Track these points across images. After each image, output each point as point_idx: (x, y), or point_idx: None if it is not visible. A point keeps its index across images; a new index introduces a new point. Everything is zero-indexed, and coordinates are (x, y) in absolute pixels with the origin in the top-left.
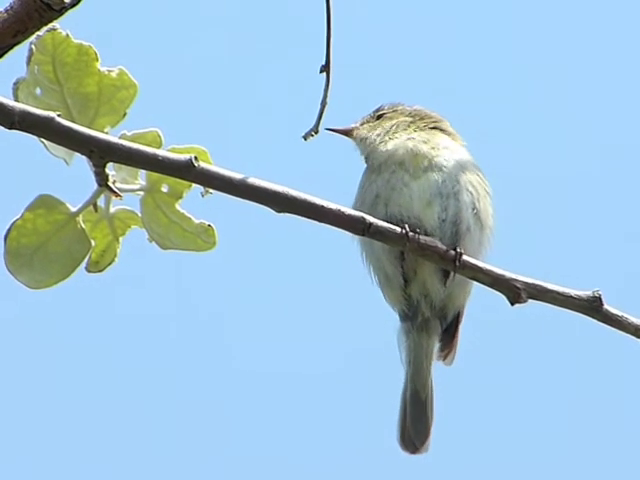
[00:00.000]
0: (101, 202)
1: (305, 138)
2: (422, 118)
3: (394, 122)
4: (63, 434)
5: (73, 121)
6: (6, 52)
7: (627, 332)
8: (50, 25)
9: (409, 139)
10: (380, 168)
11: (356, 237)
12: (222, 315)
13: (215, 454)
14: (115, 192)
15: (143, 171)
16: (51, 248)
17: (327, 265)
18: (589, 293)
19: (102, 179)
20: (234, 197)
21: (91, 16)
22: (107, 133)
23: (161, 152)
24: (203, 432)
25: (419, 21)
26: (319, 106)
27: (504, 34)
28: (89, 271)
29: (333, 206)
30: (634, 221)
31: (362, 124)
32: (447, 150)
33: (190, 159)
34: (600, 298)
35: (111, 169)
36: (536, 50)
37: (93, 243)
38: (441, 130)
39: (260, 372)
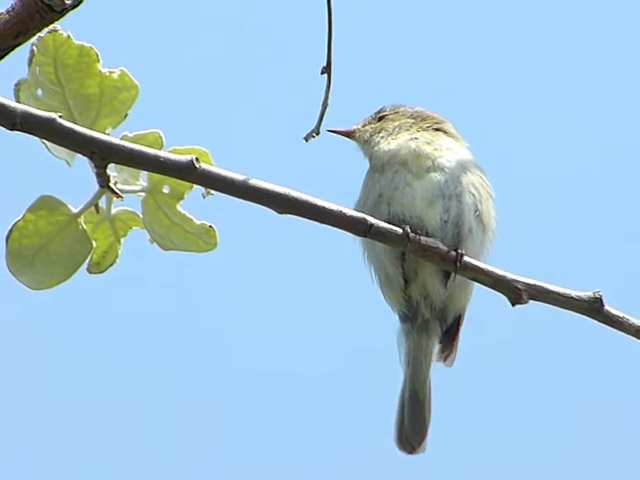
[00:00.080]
0: (102, 203)
1: (306, 139)
2: (424, 119)
3: (396, 124)
4: (64, 434)
5: (74, 122)
6: (7, 53)
7: (628, 333)
8: (51, 26)
9: (412, 139)
10: (383, 168)
11: (358, 238)
12: (223, 316)
13: (215, 454)
14: (116, 193)
15: (144, 172)
16: (53, 249)
17: (328, 266)
18: (590, 294)
19: (103, 180)
20: (235, 198)
21: (92, 17)
22: (109, 134)
23: (162, 153)
24: (203, 432)
25: (420, 22)
26: (320, 107)
27: (504, 34)
28: (90, 272)
29: (335, 207)
30: (634, 221)
31: (364, 126)
32: (450, 151)
33: (191, 160)
34: (601, 299)
35: (112, 170)
36: (536, 50)
37: (94, 244)
38: (444, 132)
39: (261, 372)
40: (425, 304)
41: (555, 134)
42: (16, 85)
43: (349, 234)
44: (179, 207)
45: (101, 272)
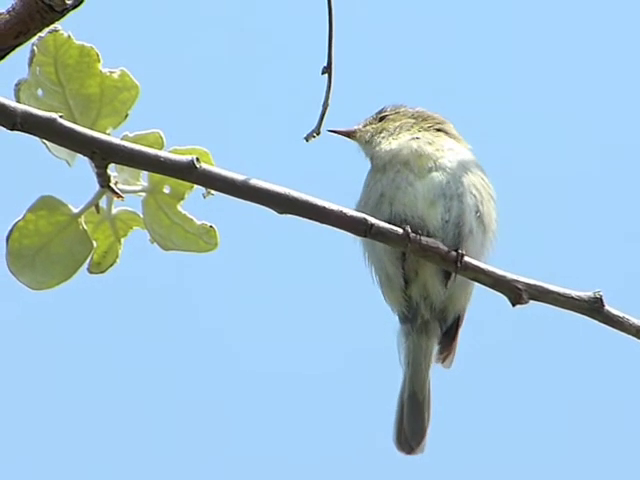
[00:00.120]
0: (103, 203)
1: (307, 139)
2: (425, 119)
3: (397, 124)
4: (65, 435)
5: (75, 122)
6: (8, 53)
7: (628, 333)
8: (52, 26)
9: (413, 139)
10: (385, 167)
11: (358, 238)
12: (223, 315)
13: (215, 454)
14: (117, 193)
15: (145, 172)
16: (53, 249)
17: (328, 266)
18: (590, 294)
19: (104, 180)
20: (236, 198)
21: (93, 17)
22: (109, 134)
23: (163, 153)
24: (204, 432)
25: (420, 22)
26: (321, 107)
27: (504, 34)
28: (91, 272)
29: (335, 207)
30: (635, 221)
31: (365, 126)
32: (452, 152)
33: (192, 160)
34: (601, 299)
35: (113, 170)
36: (536, 50)
37: (95, 244)
38: (445, 132)
39: (261, 372)
40: (425, 305)
41: (555, 134)
42: (16, 85)
43: (349, 234)
44: (179, 207)
45: (101, 272)
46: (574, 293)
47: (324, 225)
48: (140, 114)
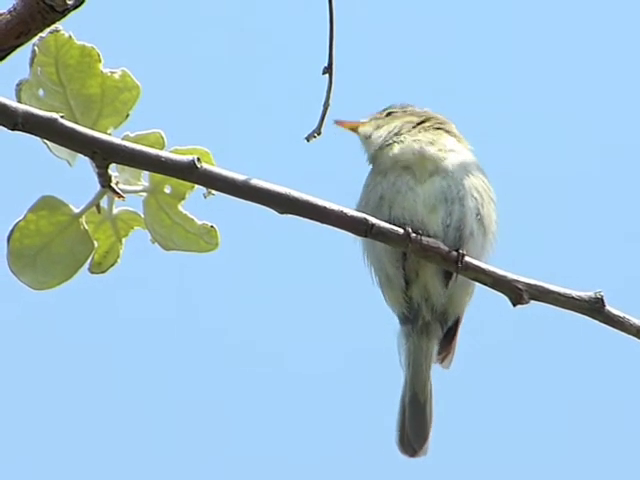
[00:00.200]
0: (104, 203)
1: (308, 139)
2: (429, 119)
3: (399, 122)
4: (65, 435)
5: (76, 122)
6: (9, 53)
7: (629, 333)
8: (53, 27)
9: (415, 141)
10: (386, 171)
11: (358, 238)
12: (224, 315)
13: (216, 454)
14: (118, 193)
15: (146, 172)
16: (54, 249)
17: (329, 266)
18: (591, 294)
19: (105, 180)
20: (237, 198)
21: (94, 18)
22: (110, 134)
23: (164, 153)
24: (204, 432)
25: (421, 22)
26: (322, 107)
27: (504, 35)
28: (92, 272)
29: (336, 207)
30: (635, 221)
31: (370, 120)
32: (453, 153)
33: (193, 160)
34: (602, 299)
35: (114, 170)
36: (536, 50)
37: (96, 244)
38: (446, 131)
39: (261, 372)
40: (426, 306)
41: (555, 134)
42: (18, 85)
43: (350, 234)
44: (180, 207)
45: (102, 272)
46: (575, 293)
47: (325, 225)
48: (141, 114)
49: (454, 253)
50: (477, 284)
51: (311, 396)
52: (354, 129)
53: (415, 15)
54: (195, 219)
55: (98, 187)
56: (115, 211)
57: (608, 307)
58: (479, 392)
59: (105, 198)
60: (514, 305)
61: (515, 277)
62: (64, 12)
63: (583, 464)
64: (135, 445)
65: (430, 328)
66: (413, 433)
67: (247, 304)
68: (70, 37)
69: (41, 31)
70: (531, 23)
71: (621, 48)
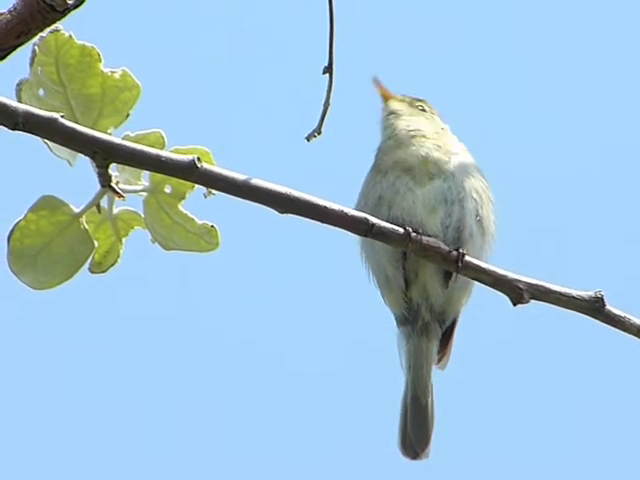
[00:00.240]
0: (104, 203)
1: (308, 139)
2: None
3: (423, 124)
4: (65, 435)
5: (76, 122)
6: (9, 53)
7: (629, 333)
8: (53, 26)
9: (423, 147)
10: (387, 170)
11: (357, 238)
12: (224, 315)
13: (216, 454)
14: (118, 193)
15: (146, 172)
16: (54, 249)
17: (330, 266)
18: (591, 294)
19: (105, 180)
20: (237, 198)
21: (94, 17)
22: (110, 134)
23: (164, 153)
24: (204, 433)
25: (421, 22)
26: (322, 107)
27: (504, 35)
28: (92, 272)
29: (336, 207)
30: (636, 221)
31: (403, 100)
32: (456, 156)
33: (193, 160)
34: (602, 299)
35: (114, 170)
36: (536, 50)
37: (96, 244)
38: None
39: (262, 372)
40: (426, 306)
41: (555, 134)
42: (18, 85)
43: (350, 234)
44: (181, 207)
45: (103, 272)
46: (575, 293)
47: (325, 225)
48: (141, 114)
49: (454, 253)
50: (476, 284)
51: (311, 396)
52: (386, 98)
53: (415, 15)
54: (195, 219)
55: (98, 187)
56: (115, 211)
57: (608, 307)
58: (480, 392)
59: (105, 198)
60: (514, 305)
61: (515, 276)
62: (64, 12)
63: (583, 464)
64: (135, 445)
65: (430, 329)
66: (415, 435)
67: (247, 304)
68: (70, 37)
69: (41, 31)
70: (531, 23)
71: (621, 48)
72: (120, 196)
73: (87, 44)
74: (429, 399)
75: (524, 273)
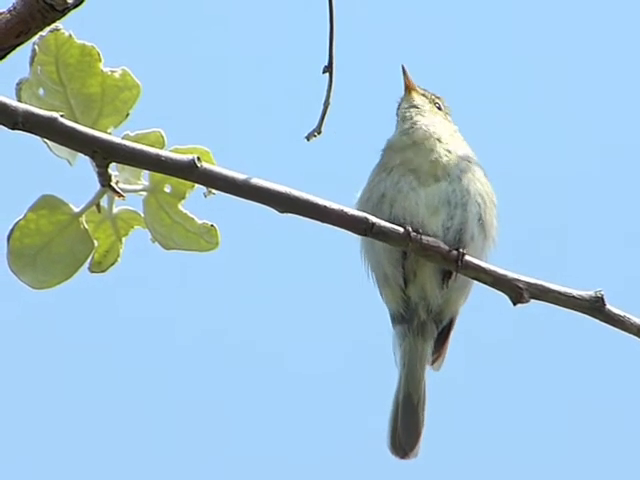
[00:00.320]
0: (104, 202)
1: (308, 139)
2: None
3: (439, 126)
4: (65, 435)
5: (76, 122)
6: (9, 52)
7: (629, 332)
8: (53, 25)
9: (433, 151)
10: (392, 167)
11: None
12: (224, 315)
13: (216, 454)
14: (118, 192)
15: (146, 171)
16: (54, 248)
17: (330, 266)
18: (591, 293)
19: (105, 179)
20: (237, 197)
21: (94, 17)
22: (110, 134)
23: (164, 152)
24: (205, 433)
25: (422, 21)
26: (322, 107)
27: (505, 35)
28: (92, 271)
29: (336, 206)
30: (636, 221)
31: (424, 94)
32: (464, 161)
33: (193, 159)
34: (602, 298)
35: (114, 169)
36: (536, 50)
37: (96, 243)
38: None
39: (262, 372)
40: (423, 306)
41: (555, 134)
42: (18, 84)
43: (350, 233)
44: (180, 206)
45: (102, 271)
46: (575, 292)
47: (325, 224)
48: (141, 113)
49: (454, 252)
50: (476, 285)
51: (311, 396)
52: (410, 89)
53: (415, 15)
54: (195, 218)
55: (98, 186)
56: (115, 210)
57: (608, 306)
58: (480, 391)
59: (105, 197)
60: (514, 304)
61: (515, 276)
62: (64, 11)
63: (583, 464)
64: (135, 445)
65: (426, 328)
66: (405, 434)
67: (247, 304)
68: (70, 36)
69: (41, 30)
70: (531, 23)
71: (621, 48)
72: (120, 195)
73: (87, 43)
74: (421, 398)
75: (524, 273)
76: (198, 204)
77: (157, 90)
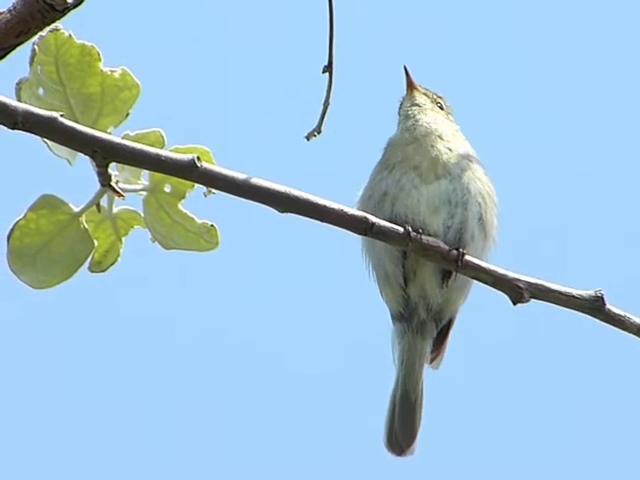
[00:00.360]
0: (104, 202)
1: (308, 138)
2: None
3: (441, 125)
4: (65, 435)
5: (76, 121)
6: (9, 52)
7: (629, 332)
8: (53, 25)
9: (433, 147)
10: (394, 164)
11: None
12: (223, 314)
13: (216, 454)
14: (118, 192)
15: (146, 171)
16: (54, 248)
17: (330, 265)
18: (591, 293)
19: (105, 179)
20: (237, 197)
21: (94, 16)
22: (110, 133)
23: (164, 152)
24: (204, 433)
25: (422, 21)
26: (322, 106)
27: (505, 35)
28: (92, 271)
29: (336, 206)
30: (636, 221)
31: (426, 93)
32: (465, 160)
33: (193, 159)
34: (602, 298)
35: (114, 169)
36: (536, 50)
37: (96, 243)
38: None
39: (262, 372)
40: (423, 305)
41: (556, 134)
42: (17, 84)
43: (350, 233)
44: (180, 206)
45: (102, 271)
46: (575, 292)
47: (325, 224)
48: (141, 113)
49: (454, 252)
50: (476, 284)
51: (311, 396)
52: (412, 88)
53: (415, 14)
54: (195, 218)
55: (98, 186)
56: (115, 210)
57: (608, 306)
58: (480, 391)
59: (105, 197)
60: (514, 304)
61: (516, 276)
62: (64, 11)
63: (583, 464)
64: (135, 445)
65: (425, 327)
66: (402, 431)
67: (247, 304)
68: (70, 36)
69: (41, 30)
70: (531, 23)
71: (621, 47)
72: (120, 195)
73: (87, 43)
74: (419, 396)
75: (524, 272)
76: (198, 204)
77: (157, 90)
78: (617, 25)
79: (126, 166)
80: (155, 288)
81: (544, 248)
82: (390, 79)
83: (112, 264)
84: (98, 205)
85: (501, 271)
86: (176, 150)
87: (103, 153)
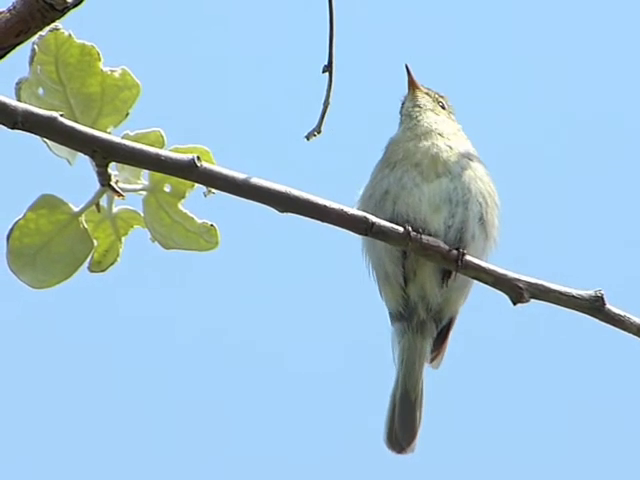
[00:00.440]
0: (104, 202)
1: (308, 138)
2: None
3: (442, 125)
4: (65, 435)
5: (76, 121)
6: (9, 52)
7: (629, 332)
8: (53, 25)
9: (434, 145)
10: (395, 163)
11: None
12: (223, 314)
13: (216, 454)
14: (118, 192)
15: (146, 171)
16: (54, 248)
17: (330, 265)
18: (591, 293)
19: (105, 179)
20: (237, 197)
21: (94, 16)
22: (110, 133)
23: (164, 152)
24: (204, 433)
25: (422, 20)
26: (321, 106)
27: (505, 35)
28: (91, 271)
29: (336, 206)
30: (636, 221)
31: (428, 93)
32: (466, 159)
33: (193, 159)
34: (602, 298)
35: (114, 169)
36: (537, 50)
37: (95, 243)
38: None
39: (262, 372)
40: (422, 305)
41: (556, 134)
42: (17, 84)
43: (350, 233)
44: (180, 206)
45: (102, 271)
46: (575, 292)
47: (325, 224)
48: (141, 113)
49: (454, 252)
50: (474, 285)
51: (311, 396)
52: (414, 87)
53: (416, 14)
54: (195, 218)
55: (98, 186)
56: (115, 210)
57: (608, 306)
58: (479, 391)
59: (105, 197)
60: (514, 304)
61: (516, 276)
62: (64, 10)
63: (583, 463)
64: (135, 445)
65: (425, 327)
66: (402, 430)
67: (247, 304)
68: (70, 36)
69: (41, 29)
70: (533, 22)
71: (621, 48)
72: (120, 195)
73: (87, 43)
74: (419, 395)
75: (524, 272)
76: (198, 204)
77: (157, 89)
78: (617, 25)
79: (126, 166)
80: (155, 288)
81: (544, 248)
82: (390, 79)
83: (112, 264)
84: (98, 205)
85: (501, 271)
86: (176, 150)
87: (103, 153)
